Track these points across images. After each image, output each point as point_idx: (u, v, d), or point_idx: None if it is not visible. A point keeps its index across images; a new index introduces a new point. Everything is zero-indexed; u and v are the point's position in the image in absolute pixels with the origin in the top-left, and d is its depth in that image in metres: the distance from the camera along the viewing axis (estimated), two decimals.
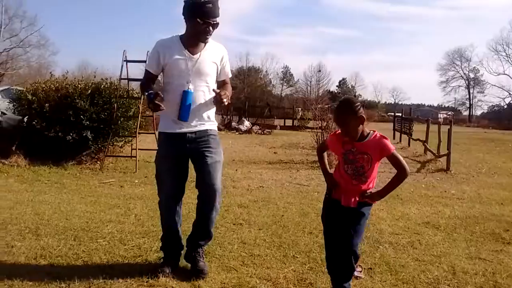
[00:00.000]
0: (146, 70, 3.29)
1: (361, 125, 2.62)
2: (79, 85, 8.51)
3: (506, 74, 62.77)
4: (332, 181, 2.81)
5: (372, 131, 2.67)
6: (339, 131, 2.73)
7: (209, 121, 3.27)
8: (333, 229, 2.80)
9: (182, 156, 3.22)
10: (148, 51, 8.78)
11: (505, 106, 63.95)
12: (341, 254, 2.71)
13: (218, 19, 3.10)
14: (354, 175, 2.68)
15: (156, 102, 3.00)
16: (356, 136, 2.64)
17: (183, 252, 3.35)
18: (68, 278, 3.00)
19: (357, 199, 2.66)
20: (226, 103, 3.16)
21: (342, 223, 2.74)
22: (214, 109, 3.32)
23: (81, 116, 7.98)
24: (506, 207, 5.91)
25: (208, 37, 3.15)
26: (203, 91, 3.19)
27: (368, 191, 2.67)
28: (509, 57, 60.86)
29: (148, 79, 3.26)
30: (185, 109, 3.07)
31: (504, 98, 63.62)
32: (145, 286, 2.93)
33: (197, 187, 3.25)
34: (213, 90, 3.20)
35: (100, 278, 3.02)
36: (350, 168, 2.69)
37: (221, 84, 3.37)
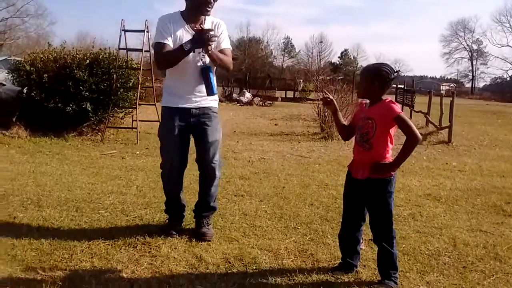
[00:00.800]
0: (162, 44, 3.14)
1: (377, 90, 2.58)
2: (78, 55, 8.40)
3: (509, 46, 62.26)
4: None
5: (384, 99, 2.61)
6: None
7: (212, 96, 3.30)
8: (348, 206, 2.78)
9: (185, 129, 3.27)
10: (146, 20, 8.74)
11: (508, 79, 63.59)
12: (374, 240, 2.70)
13: None
14: (360, 142, 2.63)
15: (205, 37, 2.97)
16: (372, 100, 2.63)
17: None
18: (71, 248, 3.02)
19: (366, 171, 2.58)
20: (209, 43, 3.05)
21: (359, 200, 2.70)
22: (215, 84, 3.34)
23: (81, 87, 7.92)
24: (507, 180, 5.92)
25: (209, 9, 3.17)
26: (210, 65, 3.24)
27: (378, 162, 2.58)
28: None
29: (165, 49, 3.14)
30: (213, 83, 3.17)
31: (507, 70, 63.23)
32: (148, 257, 2.95)
33: (197, 162, 3.37)
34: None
35: (102, 248, 3.04)
36: (358, 135, 2.67)
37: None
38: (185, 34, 3.18)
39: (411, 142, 2.50)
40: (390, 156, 2.59)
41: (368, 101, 2.71)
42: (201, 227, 3.35)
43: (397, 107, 2.54)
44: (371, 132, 2.56)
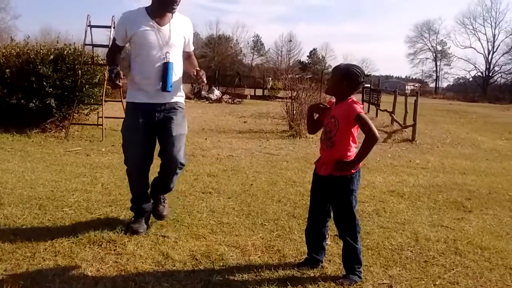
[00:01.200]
0: (114, 42, 3.33)
1: (345, 90, 2.64)
2: (41, 51, 8.19)
3: (472, 48, 64.05)
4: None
5: (350, 98, 2.66)
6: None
7: (179, 92, 3.34)
8: (313, 201, 2.83)
9: (150, 125, 3.24)
10: (113, 16, 8.58)
11: (470, 79, 65.62)
12: (339, 234, 2.77)
13: None
14: (324, 139, 2.70)
15: (116, 82, 3.14)
16: (338, 99, 2.69)
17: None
18: (33, 246, 2.95)
19: (328, 168, 2.65)
20: (205, 82, 3.32)
21: (323, 196, 2.77)
22: (181, 80, 3.38)
23: (44, 83, 7.71)
24: (468, 177, 6.12)
25: (175, 7, 3.18)
26: (174, 62, 3.23)
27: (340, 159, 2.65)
28: (476, 31, 62.04)
29: (115, 50, 3.35)
30: (169, 80, 3.15)
31: (470, 71, 65.19)
32: (113, 255, 2.91)
33: (160, 156, 3.34)
34: (192, 70, 3.39)
35: (66, 246, 2.98)
36: (323, 133, 2.73)
37: (186, 57, 3.44)
38: (149, 31, 3.16)
39: (369, 141, 2.57)
40: (352, 154, 2.66)
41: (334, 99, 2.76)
42: (157, 206, 3.44)
43: (359, 107, 2.60)
44: (334, 130, 2.63)
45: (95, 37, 8.70)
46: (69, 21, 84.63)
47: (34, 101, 7.66)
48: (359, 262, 2.71)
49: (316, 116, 2.89)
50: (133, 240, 3.15)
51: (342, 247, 2.76)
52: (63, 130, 8.14)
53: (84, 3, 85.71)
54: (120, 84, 3.16)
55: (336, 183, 2.66)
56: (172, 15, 3.25)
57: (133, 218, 3.44)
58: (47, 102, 7.74)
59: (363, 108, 2.63)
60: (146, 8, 3.23)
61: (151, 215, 3.47)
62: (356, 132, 2.67)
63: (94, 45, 8.84)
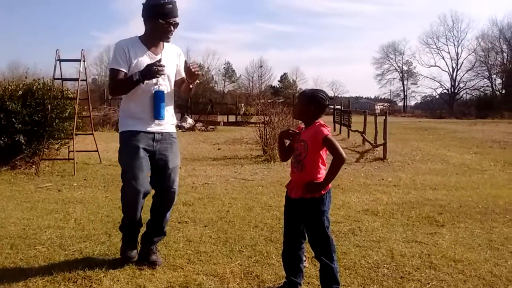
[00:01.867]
0: (116, 70, 3.15)
1: (312, 114, 2.74)
2: (10, 87, 8.09)
3: (437, 66, 66.56)
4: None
5: (317, 121, 2.75)
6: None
7: (172, 121, 3.38)
8: (287, 224, 2.87)
9: (148, 154, 3.22)
10: (82, 50, 8.62)
11: (437, 96, 67.64)
12: (314, 255, 2.78)
13: (177, 19, 3.17)
14: (294, 163, 2.77)
15: (159, 65, 3.05)
16: (305, 123, 2.78)
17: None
18: (5, 287, 2.87)
19: (299, 191, 2.71)
20: (198, 73, 3.32)
21: (296, 219, 2.80)
22: (173, 110, 3.44)
23: (13, 119, 7.59)
24: (439, 192, 6.27)
25: (169, 37, 3.22)
26: (166, 91, 3.28)
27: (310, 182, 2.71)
28: (440, 50, 64.35)
29: (121, 80, 3.16)
30: (161, 108, 3.21)
31: (436, 88, 67.29)
32: None
33: (155, 188, 3.32)
34: (185, 61, 3.36)
35: (40, 285, 2.92)
36: (293, 157, 2.80)
37: (180, 82, 3.45)
38: (147, 60, 3.17)
39: (337, 162, 2.65)
40: (322, 176, 2.72)
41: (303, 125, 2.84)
42: (150, 255, 3.32)
43: (326, 130, 2.68)
44: (303, 153, 2.70)
45: (64, 71, 8.68)
46: (37, 54, 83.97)
47: (2, 138, 7.52)
48: (337, 282, 2.74)
49: (287, 142, 2.95)
50: (108, 275, 3.10)
51: (319, 268, 2.78)
52: (33, 166, 7.97)
53: (51, 37, 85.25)
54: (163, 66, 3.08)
55: (307, 205, 2.70)
56: (163, 44, 3.29)
57: (125, 246, 3.33)
58: (16, 138, 7.60)
59: (330, 130, 2.71)
60: (140, 37, 3.25)
61: (144, 263, 3.30)
62: (325, 154, 2.74)
63: (63, 79, 8.81)
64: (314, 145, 2.68)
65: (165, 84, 3.26)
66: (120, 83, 3.16)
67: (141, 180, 3.11)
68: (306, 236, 2.82)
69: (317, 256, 2.75)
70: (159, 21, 3.10)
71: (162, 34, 3.18)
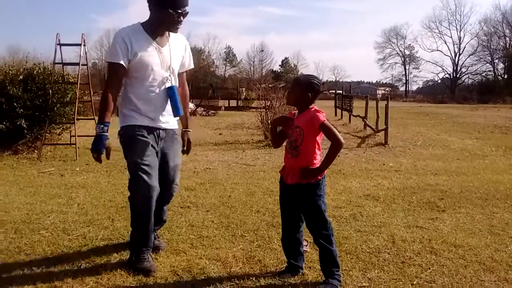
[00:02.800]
0: (114, 64, 2.86)
1: (307, 100, 2.73)
2: (10, 71, 8.07)
3: (439, 50, 66.22)
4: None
5: (311, 107, 2.76)
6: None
7: (176, 117, 3.17)
8: (284, 209, 2.90)
9: (156, 147, 3.04)
10: (83, 34, 8.56)
11: (439, 81, 67.48)
12: (313, 239, 2.81)
13: (188, 8, 2.90)
14: (289, 149, 2.77)
15: (102, 157, 2.86)
16: (300, 109, 2.77)
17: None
18: (11, 272, 2.91)
19: (295, 177, 2.73)
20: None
21: (292, 204, 2.84)
22: None
23: (14, 104, 7.60)
24: (440, 177, 6.28)
25: (178, 27, 2.96)
26: (176, 84, 3.11)
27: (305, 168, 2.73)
28: (442, 34, 63.92)
29: (118, 77, 2.91)
30: (179, 104, 3.05)
31: (438, 73, 67.33)
32: (93, 275, 2.88)
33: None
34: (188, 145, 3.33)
35: (45, 269, 2.95)
36: (288, 143, 2.80)
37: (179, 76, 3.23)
38: (152, 53, 2.93)
39: (335, 147, 2.66)
40: (318, 162, 2.74)
41: (296, 110, 2.85)
42: (154, 240, 3.22)
43: (322, 116, 2.69)
44: (299, 140, 2.71)
45: (65, 55, 8.65)
46: (37, 39, 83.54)
47: (4, 122, 7.53)
48: (337, 265, 2.77)
49: (279, 129, 2.96)
50: (112, 259, 3.13)
51: (319, 252, 2.81)
52: (36, 151, 8.00)
53: (50, 20, 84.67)
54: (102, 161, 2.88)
55: (304, 191, 2.73)
56: (169, 33, 3.03)
57: (138, 256, 2.98)
58: (18, 123, 7.62)
59: (325, 116, 2.71)
60: (143, 24, 2.95)
61: None
62: (320, 139, 2.76)
63: (64, 64, 8.79)
64: (310, 131, 2.69)
65: (174, 77, 3.08)
66: (108, 88, 2.89)
67: (154, 177, 2.92)
68: (303, 220, 2.86)
69: (316, 240, 2.78)
70: (169, 10, 2.81)
71: (170, 24, 2.91)
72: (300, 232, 2.91)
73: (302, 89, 2.73)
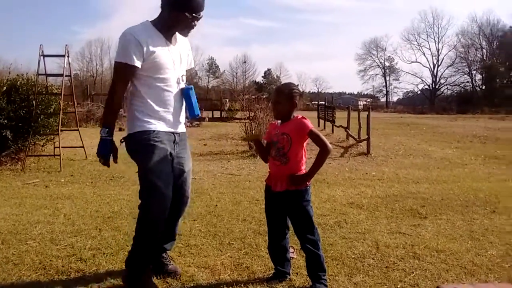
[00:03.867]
0: (124, 64, 2.65)
1: (292, 110, 2.83)
2: None
3: (418, 62, 67.30)
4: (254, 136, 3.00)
5: (295, 115, 2.86)
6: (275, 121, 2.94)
7: (185, 120, 3.03)
8: (271, 217, 2.96)
9: (173, 154, 2.85)
10: (66, 45, 8.58)
11: (419, 92, 68.54)
12: (300, 245, 2.86)
13: (202, 12, 2.76)
14: (276, 156, 2.83)
15: (110, 161, 2.74)
16: (285, 118, 2.84)
17: None
18: (0, 282, 2.91)
19: (284, 184, 2.78)
20: None
21: (280, 211, 2.89)
22: None
23: None
24: (421, 185, 6.43)
25: (191, 31, 2.82)
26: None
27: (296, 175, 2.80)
28: (421, 46, 65.12)
29: (127, 78, 2.71)
30: (196, 104, 2.94)
31: (417, 84, 68.20)
32: (83, 284, 2.90)
33: None
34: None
35: (34, 279, 2.95)
36: (274, 150, 2.86)
37: None
38: (165, 51, 2.76)
39: (324, 152, 2.75)
40: (304, 168, 2.83)
41: (279, 120, 2.92)
42: (166, 266, 3.03)
43: (309, 123, 2.79)
44: (287, 146, 2.78)
45: (47, 66, 8.64)
46: (17, 50, 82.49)
47: None
48: (323, 269, 2.84)
49: (265, 143, 3.04)
50: (101, 269, 3.15)
51: (305, 257, 2.87)
52: (19, 162, 7.93)
53: (31, 32, 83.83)
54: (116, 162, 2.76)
55: (293, 197, 2.80)
56: (176, 33, 2.87)
57: (141, 274, 2.79)
58: (3, 134, 7.55)
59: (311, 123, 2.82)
60: (154, 24, 2.77)
61: (163, 274, 3.00)
62: (305, 146, 2.86)
63: (48, 75, 8.77)
64: (298, 138, 2.77)
65: (185, 77, 2.96)
66: (115, 89, 2.71)
67: (170, 186, 2.75)
68: (289, 227, 2.93)
69: (303, 245, 2.84)
70: (185, 14, 2.66)
71: (184, 28, 2.77)
72: (287, 239, 2.98)
73: (288, 98, 2.81)
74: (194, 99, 2.94)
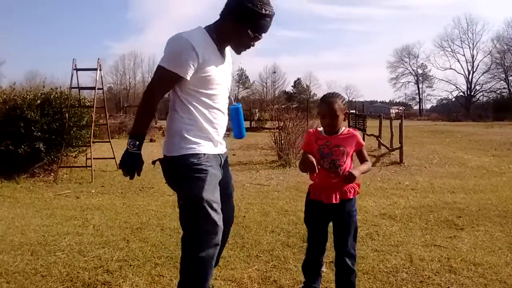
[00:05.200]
0: (174, 74, 2.33)
1: (343, 121, 2.74)
2: (28, 96, 8.25)
3: (452, 69, 65.64)
4: (307, 159, 2.71)
5: (343, 127, 2.75)
6: (316, 128, 2.82)
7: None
8: (318, 232, 2.79)
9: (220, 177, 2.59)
10: (98, 59, 8.74)
11: (453, 99, 66.94)
12: (337, 257, 2.72)
13: (264, 35, 2.53)
14: (330, 168, 2.68)
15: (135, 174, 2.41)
16: (337, 129, 2.72)
17: None
18: None
19: (338, 195, 2.65)
20: None
21: (325, 226, 2.76)
22: None
23: (32, 128, 7.73)
24: (457, 195, 6.19)
25: (245, 51, 2.58)
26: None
27: (348, 185, 2.66)
28: (455, 53, 63.69)
29: (169, 88, 2.43)
30: (243, 125, 2.83)
31: (452, 91, 66.74)
32: None
33: None
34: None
35: None
36: (326, 162, 2.69)
37: None
38: (220, 65, 2.51)
39: (369, 165, 2.77)
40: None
41: (321, 128, 2.78)
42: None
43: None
44: (343, 159, 2.67)
45: (80, 80, 8.85)
46: (54, 64, 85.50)
47: (22, 146, 7.65)
48: (354, 287, 2.72)
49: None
50: (127, 281, 3.13)
51: (338, 271, 2.74)
52: (52, 174, 8.10)
53: (66, 47, 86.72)
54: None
55: (346, 207, 2.69)
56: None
57: None
58: (36, 146, 7.74)
59: None
60: (209, 32, 2.48)
61: None
62: None
63: (80, 88, 8.96)
64: (351, 150, 2.71)
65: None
66: (143, 112, 2.39)
67: (219, 219, 2.44)
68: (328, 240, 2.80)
69: (341, 259, 2.70)
70: (247, 31, 2.42)
71: (241, 45, 2.52)
72: (324, 254, 2.85)
73: (342, 110, 2.70)
74: (242, 118, 2.81)
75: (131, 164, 2.38)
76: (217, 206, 2.41)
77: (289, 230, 4.40)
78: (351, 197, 2.68)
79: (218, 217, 2.39)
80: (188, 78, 2.34)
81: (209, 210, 2.36)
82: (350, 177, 2.62)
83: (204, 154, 2.41)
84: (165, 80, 2.36)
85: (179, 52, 2.31)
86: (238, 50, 2.55)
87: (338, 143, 2.70)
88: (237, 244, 3.97)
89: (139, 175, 2.44)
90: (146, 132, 2.44)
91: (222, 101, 2.53)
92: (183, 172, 2.39)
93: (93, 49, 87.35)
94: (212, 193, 2.39)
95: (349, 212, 2.69)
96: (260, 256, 3.67)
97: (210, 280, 2.52)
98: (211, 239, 2.38)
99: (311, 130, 2.85)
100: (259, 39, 2.50)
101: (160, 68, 2.35)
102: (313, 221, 2.81)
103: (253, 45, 2.52)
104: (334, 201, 2.65)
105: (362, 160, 2.76)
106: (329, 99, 2.70)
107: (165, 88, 2.40)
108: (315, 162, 2.58)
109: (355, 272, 2.70)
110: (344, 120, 2.76)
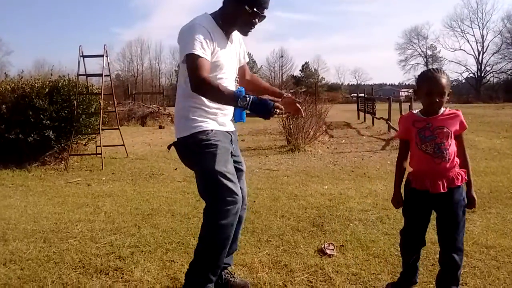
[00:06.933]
0: (200, 58, 2.34)
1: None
2: (36, 84, 8.27)
3: (462, 50, 65.15)
4: (397, 198, 2.67)
5: (446, 107, 2.51)
6: (410, 111, 2.60)
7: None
8: (420, 225, 2.60)
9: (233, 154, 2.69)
10: (105, 45, 8.73)
11: (463, 81, 66.15)
12: (444, 254, 2.49)
13: (266, 12, 2.55)
14: (435, 153, 2.41)
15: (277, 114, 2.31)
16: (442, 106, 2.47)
17: None
18: (41, 280, 2.95)
19: (446, 183, 2.41)
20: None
21: (429, 215, 2.56)
22: None
23: (41, 116, 7.77)
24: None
25: (250, 30, 2.59)
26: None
27: (454, 170, 2.43)
28: (464, 33, 62.80)
29: (207, 67, 2.39)
30: (243, 111, 2.72)
31: (462, 73, 65.98)
32: (121, 282, 2.91)
33: None
34: (265, 91, 2.90)
35: (73, 277, 2.99)
36: (429, 146, 2.43)
37: (242, 75, 2.89)
38: (227, 50, 2.58)
39: (468, 160, 2.53)
40: (457, 164, 2.50)
41: (416, 110, 2.56)
42: (234, 281, 2.81)
43: None
44: (447, 141, 2.42)
45: (89, 68, 8.83)
46: (61, 52, 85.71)
47: (32, 134, 7.70)
48: (458, 282, 2.51)
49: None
50: (139, 266, 3.15)
51: (444, 268, 2.51)
52: (63, 162, 8.15)
53: (73, 35, 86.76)
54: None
55: (454, 195, 2.45)
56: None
57: None
58: (46, 134, 7.78)
59: None
60: (214, 19, 2.54)
61: None
62: None
63: (88, 75, 8.95)
64: (455, 132, 2.44)
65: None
66: (218, 93, 2.32)
67: (239, 197, 2.49)
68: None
69: (448, 255, 2.46)
70: (244, 7, 2.45)
71: (243, 25, 2.55)
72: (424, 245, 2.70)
73: (449, 86, 2.46)
74: None
75: (265, 107, 2.29)
76: (232, 176, 2.49)
77: (299, 214, 4.40)
78: (459, 184, 2.43)
79: (234, 186, 2.46)
80: (208, 58, 2.38)
81: (224, 180, 2.43)
82: (474, 203, 2.51)
83: (212, 130, 2.50)
84: (199, 66, 2.33)
85: (198, 36, 2.36)
86: (243, 31, 2.61)
87: (440, 124, 2.42)
88: (247, 229, 3.98)
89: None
90: (237, 96, 2.33)
91: (229, 85, 2.57)
92: (194, 149, 2.48)
93: (100, 36, 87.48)
94: (224, 165, 2.47)
95: (458, 201, 2.44)
96: (270, 240, 3.68)
97: (226, 250, 2.56)
98: (230, 208, 2.45)
99: (405, 114, 2.61)
100: (260, 15, 2.52)
101: (191, 55, 2.34)
102: (415, 213, 2.59)
103: (255, 23, 2.54)
104: (442, 190, 2.40)
105: (459, 147, 2.45)
106: (437, 75, 2.44)
107: (205, 70, 2.35)
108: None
109: (461, 267, 2.50)
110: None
